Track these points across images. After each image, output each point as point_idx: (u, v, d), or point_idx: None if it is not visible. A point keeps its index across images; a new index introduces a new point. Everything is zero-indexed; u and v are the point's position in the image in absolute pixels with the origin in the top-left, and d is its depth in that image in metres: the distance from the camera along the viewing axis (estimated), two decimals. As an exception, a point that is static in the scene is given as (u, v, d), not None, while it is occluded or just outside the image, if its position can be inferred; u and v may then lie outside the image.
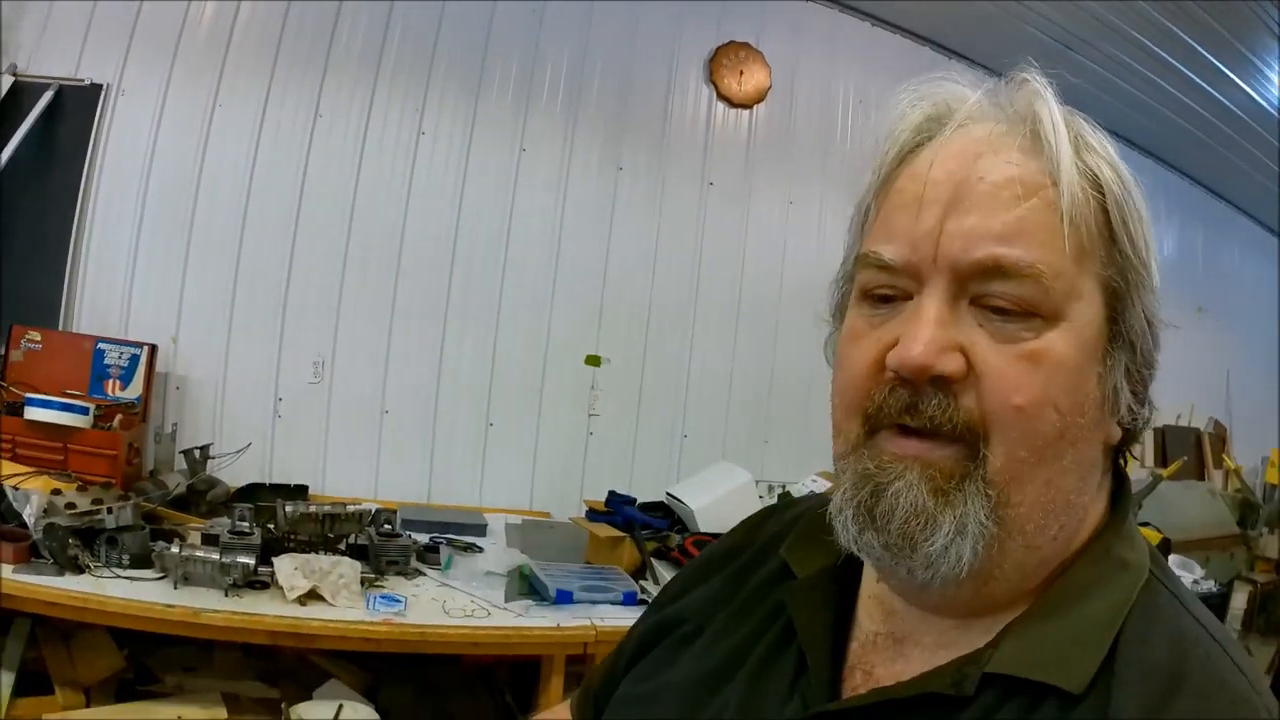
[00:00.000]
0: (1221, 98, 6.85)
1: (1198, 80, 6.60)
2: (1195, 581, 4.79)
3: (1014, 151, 0.84)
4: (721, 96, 5.41)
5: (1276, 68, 6.29)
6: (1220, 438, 8.73)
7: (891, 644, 0.94)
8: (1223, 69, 6.37)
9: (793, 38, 5.59)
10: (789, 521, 1.16)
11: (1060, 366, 0.81)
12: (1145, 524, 4.60)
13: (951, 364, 0.80)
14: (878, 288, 0.87)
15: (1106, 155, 0.88)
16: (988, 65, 6.32)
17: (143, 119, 4.13)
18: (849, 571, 1.00)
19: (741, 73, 5.44)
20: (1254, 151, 7.78)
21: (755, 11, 5.50)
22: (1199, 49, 6.12)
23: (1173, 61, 6.36)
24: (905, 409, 0.82)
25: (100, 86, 4.09)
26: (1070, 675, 0.78)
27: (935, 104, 0.91)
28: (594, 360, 4.95)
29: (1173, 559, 4.70)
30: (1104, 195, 0.85)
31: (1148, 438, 7.63)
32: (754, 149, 5.42)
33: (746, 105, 5.47)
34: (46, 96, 3.97)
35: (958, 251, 0.81)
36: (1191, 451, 7.93)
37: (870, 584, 1.00)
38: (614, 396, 5.01)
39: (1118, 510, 0.93)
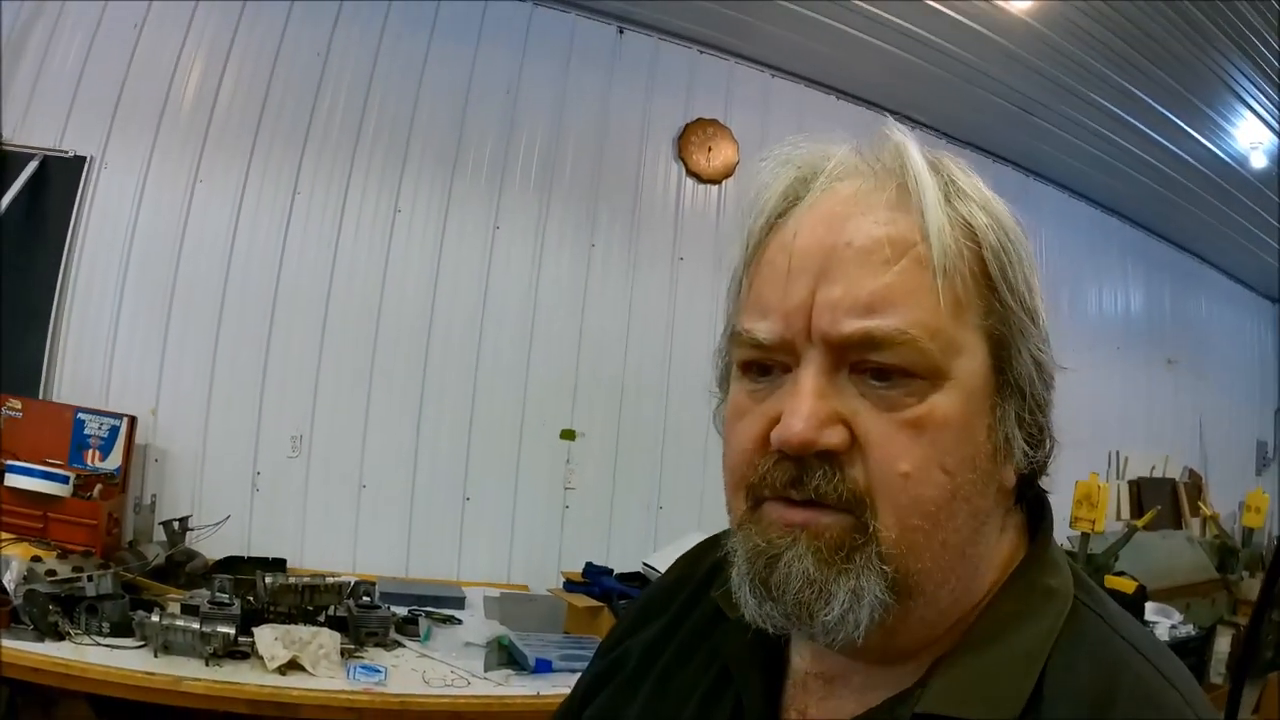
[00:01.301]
0: (1182, 153, 6.99)
1: (1157, 137, 6.74)
2: (1174, 626, 4.82)
3: (881, 209, 0.82)
4: (691, 173, 5.51)
5: (1236, 122, 6.42)
6: (1196, 485, 8.80)
7: (822, 684, 0.93)
8: (1182, 125, 6.52)
9: (759, 112, 5.72)
10: (720, 560, 1.09)
11: (945, 428, 0.79)
12: (1121, 573, 4.63)
13: (834, 437, 0.78)
14: (756, 362, 0.86)
15: (981, 200, 0.86)
16: (950, 133, 6.48)
17: (125, 192, 4.18)
18: None
19: (710, 149, 5.54)
20: (1217, 204, 7.93)
21: (722, 88, 5.64)
22: (1157, 106, 6.26)
23: (1132, 120, 6.50)
24: (790, 483, 0.80)
25: (84, 159, 4.15)
26: (999, 708, 0.78)
27: (800, 166, 0.89)
28: (569, 434, 4.97)
29: (1150, 606, 4.73)
30: (979, 243, 0.83)
31: (1121, 489, 7.69)
32: (723, 223, 5.50)
33: (715, 181, 5.56)
34: (31, 166, 4.02)
35: (828, 325, 0.79)
36: (1167, 501, 7.97)
37: None
38: (590, 469, 5.03)
39: (1038, 539, 0.92)
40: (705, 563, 1.16)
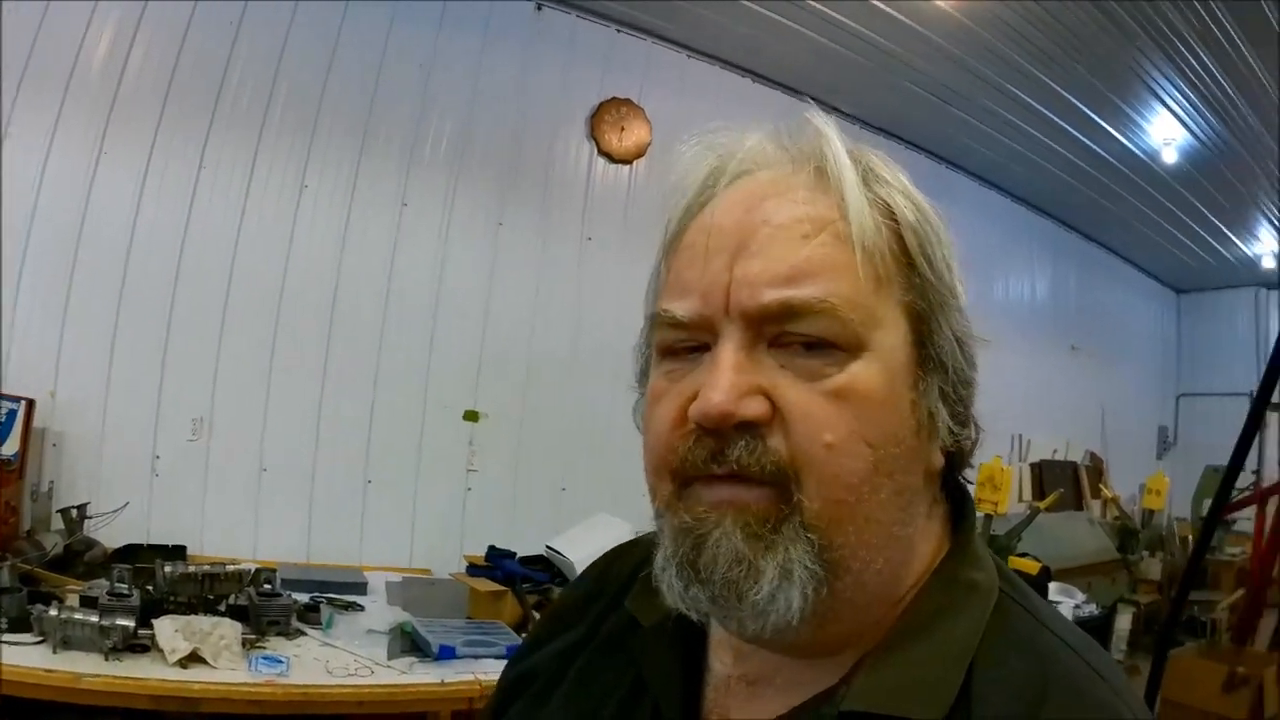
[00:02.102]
0: (1096, 147, 7.23)
1: (1072, 131, 6.94)
2: (1077, 606, 4.98)
3: (800, 190, 0.83)
4: (602, 152, 5.54)
5: (1150, 118, 6.63)
6: (1097, 469, 9.09)
7: (745, 686, 0.91)
8: (1097, 120, 6.72)
9: (674, 93, 5.76)
10: (636, 565, 1.09)
11: (868, 399, 0.79)
12: (1025, 554, 4.76)
13: (754, 408, 0.78)
14: (676, 344, 0.85)
15: (900, 185, 0.87)
16: (868, 120, 6.56)
17: (27, 164, 4.05)
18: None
19: (623, 129, 5.57)
20: (1127, 198, 8.23)
21: (638, 68, 5.68)
22: (1074, 101, 6.45)
23: (1048, 113, 6.68)
24: (711, 458, 0.79)
25: None
26: (927, 704, 0.76)
27: (719, 155, 0.90)
28: (472, 416, 4.98)
29: (1053, 586, 4.89)
30: (898, 222, 0.84)
31: (1024, 472, 7.88)
32: (634, 204, 5.53)
33: (627, 161, 5.59)
34: None
35: (747, 299, 0.79)
36: (1069, 484, 8.21)
37: (718, 627, 0.95)
38: (493, 451, 5.06)
39: (960, 533, 0.92)
40: (617, 571, 1.15)
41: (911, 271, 0.84)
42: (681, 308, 0.83)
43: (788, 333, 0.79)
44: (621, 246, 5.44)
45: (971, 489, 0.97)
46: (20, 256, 4.04)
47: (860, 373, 0.79)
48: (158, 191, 4.30)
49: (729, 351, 0.79)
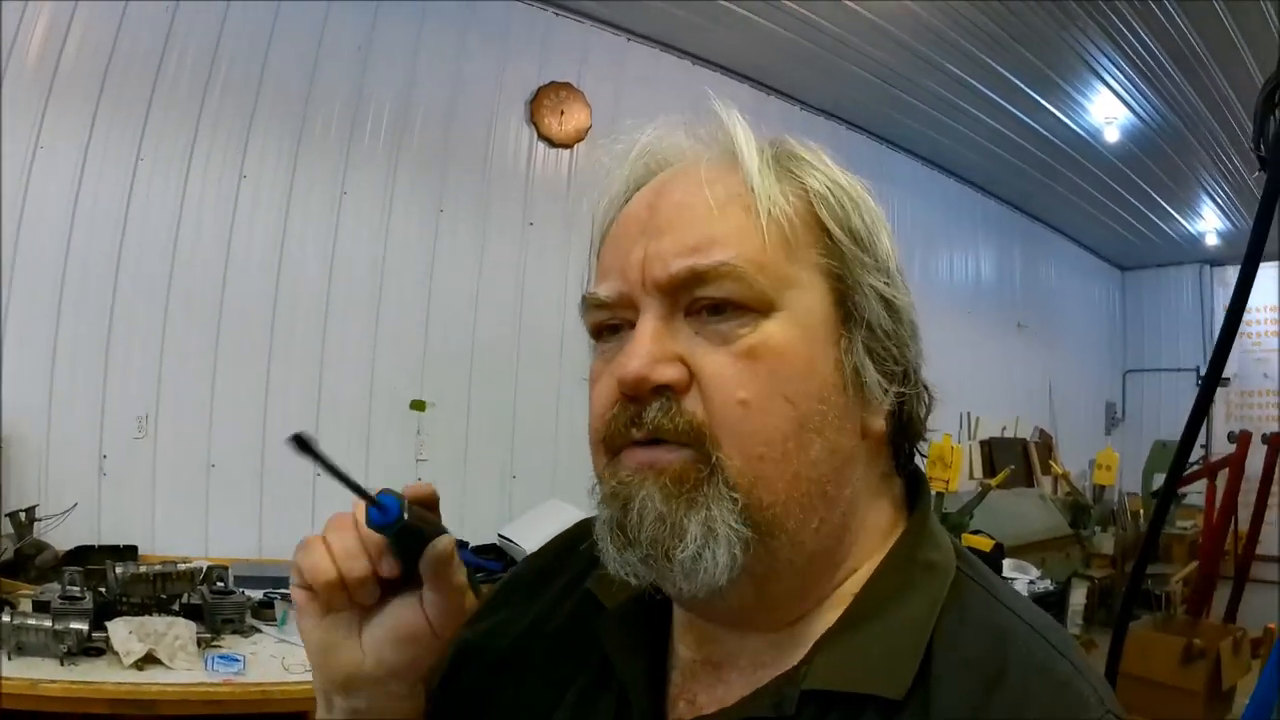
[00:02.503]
0: (1038, 126, 7.33)
1: (1013, 110, 7.02)
2: (1032, 582, 5.06)
3: (707, 171, 0.87)
4: (542, 137, 5.54)
5: (1091, 97, 6.72)
6: (1047, 445, 9.22)
7: (710, 670, 0.92)
8: (1038, 99, 6.80)
9: (613, 76, 5.77)
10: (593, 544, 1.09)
11: (782, 356, 0.81)
12: (978, 531, 4.82)
13: (669, 372, 0.81)
14: (605, 325, 0.89)
15: (815, 160, 0.90)
16: (809, 103, 6.60)
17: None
18: (661, 599, 0.94)
19: (562, 112, 5.58)
20: (1070, 176, 8.36)
21: (577, 51, 5.68)
22: (1014, 80, 6.51)
23: (988, 93, 6.75)
24: (630, 422, 0.82)
25: None
26: (888, 682, 0.77)
27: (641, 156, 0.94)
28: (419, 405, 4.98)
29: (1008, 563, 4.96)
30: (807, 191, 0.87)
31: (974, 449, 7.98)
32: (574, 188, 5.54)
33: (567, 145, 5.60)
34: None
35: (658, 271, 0.82)
36: (1019, 460, 8.31)
37: (681, 612, 0.96)
38: (441, 440, 5.06)
39: (916, 512, 0.93)
40: (581, 548, 1.11)
41: (825, 236, 0.86)
42: (605, 289, 0.87)
43: (698, 299, 0.82)
44: (563, 231, 5.45)
45: (922, 465, 1.00)
46: None
47: (773, 331, 0.82)
48: (95, 184, 4.23)
49: (647, 322, 0.83)
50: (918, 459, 0.98)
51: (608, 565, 0.86)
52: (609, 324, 0.89)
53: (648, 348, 0.81)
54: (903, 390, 0.89)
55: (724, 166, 0.87)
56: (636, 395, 0.81)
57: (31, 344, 4.08)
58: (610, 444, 0.85)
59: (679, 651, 0.96)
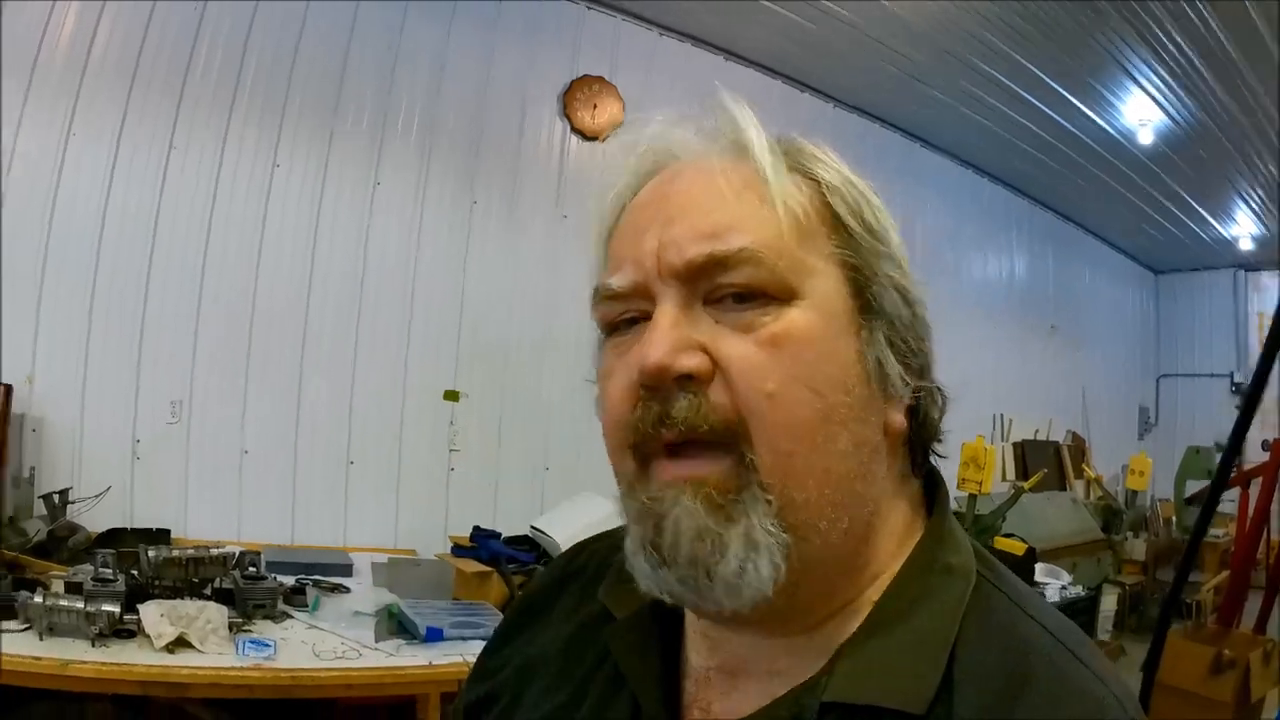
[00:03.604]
0: (1071, 127, 7.25)
1: (1047, 111, 6.95)
2: (1063, 587, 5.00)
3: (719, 162, 0.85)
4: (575, 130, 5.51)
5: (1125, 98, 6.65)
6: (1079, 449, 9.13)
7: (724, 678, 0.90)
8: (1072, 100, 6.74)
9: (645, 70, 5.75)
10: (605, 553, 1.09)
11: (806, 344, 0.79)
12: (1011, 535, 4.77)
13: (692, 361, 0.77)
14: (618, 317, 0.86)
15: (824, 157, 0.88)
16: (841, 99, 6.55)
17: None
18: (672, 606, 0.91)
19: (595, 105, 5.56)
20: (1104, 178, 8.27)
21: (608, 46, 5.67)
22: (1049, 80, 6.45)
23: (1022, 93, 6.68)
24: (658, 420, 0.78)
25: None
26: (909, 696, 0.75)
27: (649, 149, 0.92)
28: (452, 395, 4.97)
29: (1039, 567, 4.90)
30: (819, 182, 0.86)
31: (1006, 451, 7.91)
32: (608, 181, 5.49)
33: (600, 137, 5.57)
34: None
35: (675, 257, 0.80)
36: (1051, 463, 8.21)
37: (693, 618, 0.94)
38: (474, 431, 5.04)
39: (935, 514, 0.91)
40: (584, 562, 1.14)
41: (839, 228, 0.85)
42: (617, 279, 0.85)
43: (719, 285, 0.80)
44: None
45: (954, 468, 0.97)
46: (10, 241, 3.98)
47: (796, 319, 0.79)
48: (128, 174, 4.25)
49: (665, 311, 0.80)
50: (934, 461, 0.95)
51: (640, 585, 0.83)
52: (622, 317, 0.86)
53: (668, 335, 0.78)
54: (922, 384, 0.87)
55: (735, 158, 0.85)
56: (658, 385, 0.78)
57: (66, 330, 4.11)
58: (639, 450, 0.82)
59: (691, 659, 0.94)
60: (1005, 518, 5.01)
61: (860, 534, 0.83)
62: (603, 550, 1.11)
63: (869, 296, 0.84)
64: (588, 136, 5.56)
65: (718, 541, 0.76)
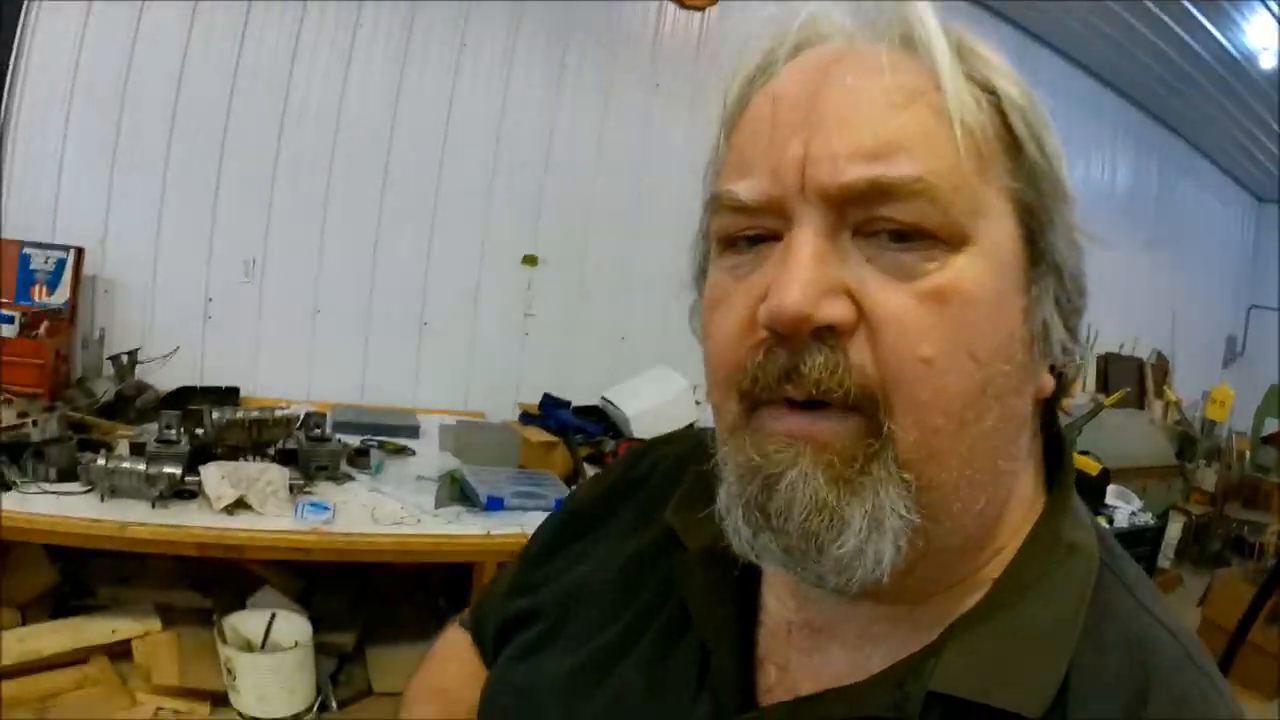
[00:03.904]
0: (1191, 40, 6.88)
1: (1168, 20, 6.63)
2: (1133, 513, 4.85)
3: (886, 56, 0.70)
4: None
5: (1250, 18, 6.34)
6: (1162, 369, 8.90)
7: (808, 635, 0.80)
8: (1195, 13, 6.40)
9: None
10: (672, 465, 1.00)
11: (974, 302, 0.66)
12: (1085, 452, 4.62)
13: (836, 310, 0.65)
14: (740, 233, 0.72)
15: (1000, 65, 0.72)
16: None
17: (69, 17, 3.93)
18: None
19: (698, -28, 5.36)
20: (1219, 97, 7.86)
21: (714, -90, 5.40)
22: None
23: (1149, 4, 6.36)
24: (784, 375, 0.67)
25: None
26: (1026, 695, 0.67)
27: (791, 22, 0.76)
28: (531, 260, 4.92)
29: (1111, 489, 4.76)
30: (999, 97, 0.71)
31: (1090, 362, 7.75)
32: (705, 53, 5.33)
33: (699, 7, 5.38)
34: None
35: (827, 176, 0.66)
36: (1133, 381, 8.00)
37: None
38: (551, 297, 4.99)
39: (1060, 481, 0.80)
40: (647, 467, 1.04)
41: (1019, 155, 0.71)
42: (746, 188, 0.70)
43: (876, 218, 0.66)
44: (692, 96, 5.25)
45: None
46: (65, 107, 3.97)
47: (965, 270, 0.67)
48: (206, 31, 4.17)
49: (807, 239, 0.66)
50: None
51: (733, 543, 0.73)
52: (744, 233, 0.72)
53: (809, 273, 0.65)
54: (1079, 350, 0.77)
55: (903, 54, 0.70)
56: (792, 335, 0.66)
57: (140, 191, 4.12)
58: (751, 396, 0.70)
59: (770, 605, 0.85)
60: (1081, 431, 4.86)
61: (994, 512, 0.74)
62: (669, 459, 1.02)
63: (1042, 246, 0.72)
64: (686, 5, 5.35)
65: (837, 517, 0.66)
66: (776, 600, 0.84)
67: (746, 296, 0.70)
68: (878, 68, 0.69)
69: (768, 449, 0.68)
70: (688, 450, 0.97)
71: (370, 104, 4.52)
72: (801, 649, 0.80)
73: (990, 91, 0.70)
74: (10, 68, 3.89)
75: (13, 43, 3.89)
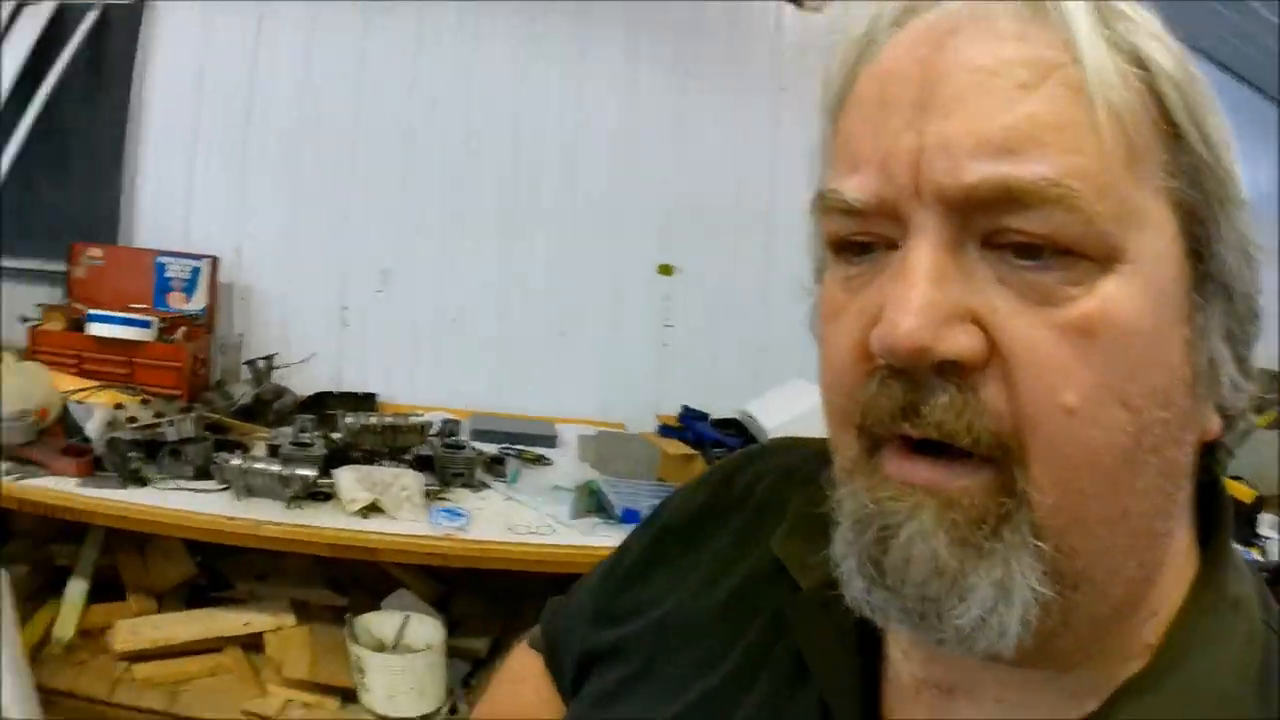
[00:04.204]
0: None
1: None
2: None
3: (1010, 22, 0.57)
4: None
5: None
6: (1318, 387, 8.44)
7: (937, 695, 0.69)
8: None
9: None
10: (774, 484, 0.87)
11: (1128, 335, 0.54)
12: (1238, 477, 4.33)
13: (962, 342, 0.54)
14: (849, 237, 0.61)
15: (1150, 26, 0.58)
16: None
17: (190, 30, 4.03)
18: None
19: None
20: None
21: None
22: None
23: None
24: (902, 413, 0.57)
25: (142, 4, 4.03)
26: None
27: None
28: (666, 270, 4.83)
29: (1263, 518, 4.46)
30: (1150, 72, 0.56)
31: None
32: (832, 54, 5.20)
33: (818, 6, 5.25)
34: (91, 17, 3.94)
35: (946, 174, 0.54)
36: (1285, 397, 7.63)
37: None
38: (690, 307, 4.90)
39: (1220, 531, 0.68)
40: (746, 484, 0.90)
41: (1177, 145, 0.57)
42: (854, 187, 0.59)
43: (1004, 229, 0.55)
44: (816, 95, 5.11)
45: None
46: (194, 120, 4.06)
47: (1115, 296, 0.54)
48: (329, 34, 4.22)
49: (924, 252, 0.55)
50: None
51: (845, 593, 0.63)
52: (854, 238, 0.61)
53: (926, 295, 0.54)
54: (1249, 384, 0.64)
55: (1030, 17, 0.57)
56: (910, 369, 0.56)
57: (274, 200, 4.18)
58: (867, 432, 0.60)
59: (895, 660, 0.73)
60: (1233, 455, 4.55)
61: (1149, 576, 0.62)
62: (769, 476, 0.90)
63: (1209, 262, 0.58)
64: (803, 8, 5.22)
65: (959, 582, 0.56)
66: (901, 654, 0.72)
67: (860, 315, 0.59)
68: (1001, 35, 0.56)
69: (882, 495, 0.59)
70: (790, 465, 0.88)
71: (497, 110, 4.50)
72: (931, 708, 0.70)
73: (1140, 65, 0.56)
74: (135, 81, 4.01)
75: (134, 56, 4.00)
